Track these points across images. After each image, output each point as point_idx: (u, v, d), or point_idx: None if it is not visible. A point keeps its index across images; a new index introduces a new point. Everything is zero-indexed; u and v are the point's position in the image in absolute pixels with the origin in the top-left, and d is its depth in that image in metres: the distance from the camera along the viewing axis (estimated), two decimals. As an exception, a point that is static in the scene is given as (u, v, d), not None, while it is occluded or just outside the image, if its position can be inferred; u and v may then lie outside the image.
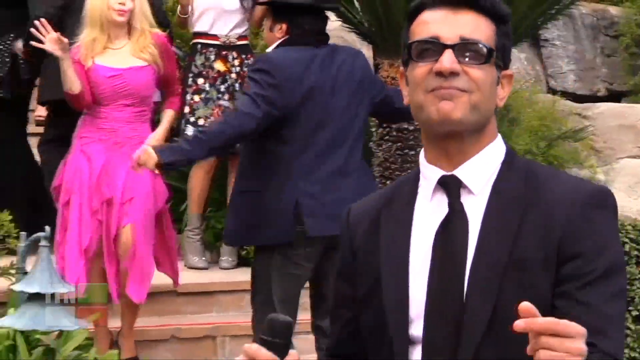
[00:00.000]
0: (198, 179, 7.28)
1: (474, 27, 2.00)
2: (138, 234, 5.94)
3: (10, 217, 6.51)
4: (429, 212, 2.04)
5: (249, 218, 5.59)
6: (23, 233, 5.54)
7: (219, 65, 7.18)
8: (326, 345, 2.61)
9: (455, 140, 2.00)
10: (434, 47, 1.94)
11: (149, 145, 5.49)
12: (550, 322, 1.46)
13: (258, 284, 5.56)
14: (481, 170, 2.03)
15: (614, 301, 1.89)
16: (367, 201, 2.33)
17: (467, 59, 1.92)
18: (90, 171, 5.97)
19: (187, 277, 6.84)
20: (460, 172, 1.99)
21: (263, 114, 5.26)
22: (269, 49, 5.82)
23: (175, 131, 6.83)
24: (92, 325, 5.62)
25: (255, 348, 1.69)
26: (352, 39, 8.58)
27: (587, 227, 1.92)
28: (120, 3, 5.93)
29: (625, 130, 9.08)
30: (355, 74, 5.68)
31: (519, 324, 1.48)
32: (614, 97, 9.30)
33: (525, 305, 1.45)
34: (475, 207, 1.99)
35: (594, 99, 9.14)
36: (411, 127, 6.96)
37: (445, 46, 1.92)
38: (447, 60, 1.88)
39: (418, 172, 2.15)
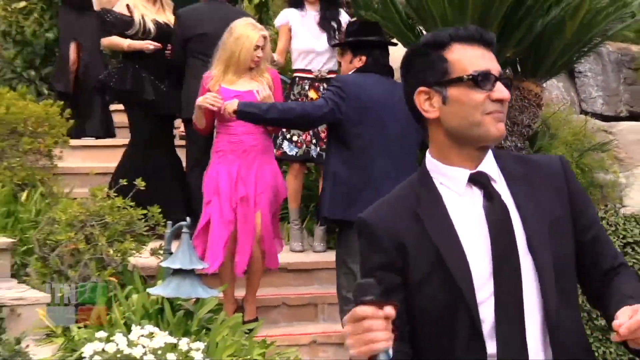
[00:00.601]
0: (290, 182, 7.42)
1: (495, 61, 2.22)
2: (265, 219, 6.15)
3: (159, 210, 6.49)
4: (463, 203, 2.17)
5: (339, 201, 5.74)
6: (169, 222, 5.84)
7: (312, 94, 7.46)
8: None
9: (486, 148, 2.18)
10: (488, 79, 2.09)
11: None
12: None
13: (339, 259, 5.80)
14: (490, 164, 2.19)
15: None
16: (389, 206, 2.36)
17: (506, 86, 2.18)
18: (229, 176, 6.14)
19: (292, 258, 7.16)
20: (484, 168, 2.15)
21: (328, 110, 5.54)
22: (346, 73, 6.11)
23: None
24: (221, 294, 5.88)
25: (360, 309, 1.83)
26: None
27: (576, 186, 2.23)
28: (258, 57, 6.17)
29: (642, 143, 9.57)
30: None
31: (622, 332, 1.80)
32: (634, 117, 9.81)
33: (618, 324, 1.79)
34: (501, 190, 2.16)
35: (618, 118, 9.87)
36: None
37: (497, 79, 2.09)
38: (505, 90, 2.09)
39: (423, 177, 2.27)
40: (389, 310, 1.77)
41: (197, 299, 5.49)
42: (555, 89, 9.61)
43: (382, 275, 2.13)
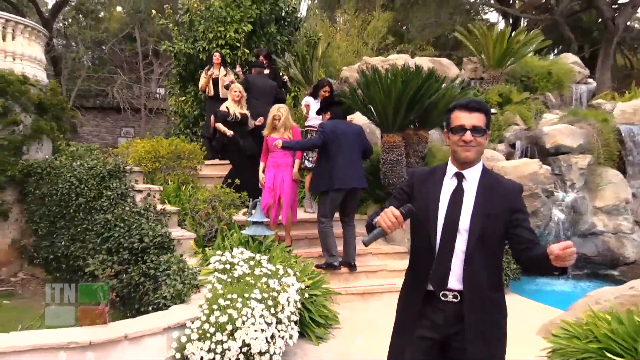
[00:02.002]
0: (307, 180, 8.29)
1: (478, 119, 2.59)
2: (288, 198, 7.20)
3: (245, 193, 7.37)
4: (449, 184, 2.67)
5: (320, 182, 6.98)
6: (251, 198, 7.13)
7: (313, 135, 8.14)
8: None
9: (464, 162, 2.66)
10: (461, 129, 2.58)
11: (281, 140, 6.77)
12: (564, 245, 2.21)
13: (321, 210, 7.00)
14: (473, 173, 2.64)
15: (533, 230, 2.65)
16: (423, 170, 2.84)
17: (475, 133, 2.58)
18: (273, 176, 7.21)
19: (305, 216, 8.23)
20: (464, 172, 2.65)
21: (321, 140, 6.78)
22: (325, 121, 7.09)
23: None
24: (274, 233, 6.85)
25: (386, 210, 2.44)
26: (371, 126, 9.25)
27: (519, 202, 2.66)
28: (276, 120, 7.22)
29: None
30: (356, 133, 7.03)
31: (556, 249, 2.23)
32: None
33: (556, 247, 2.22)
34: (468, 187, 2.64)
35: None
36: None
37: (466, 128, 2.57)
38: (469, 136, 2.57)
39: (445, 165, 2.73)
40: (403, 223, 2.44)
41: (264, 236, 6.56)
42: (434, 133, 9.35)
43: (395, 194, 2.84)
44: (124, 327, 4.48)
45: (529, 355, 5.21)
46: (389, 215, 2.39)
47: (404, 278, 2.85)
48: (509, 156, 9.34)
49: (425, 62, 10.14)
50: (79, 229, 6.63)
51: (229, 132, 8.32)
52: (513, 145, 9.66)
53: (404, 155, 8.06)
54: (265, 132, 7.37)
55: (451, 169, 2.67)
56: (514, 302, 7.16)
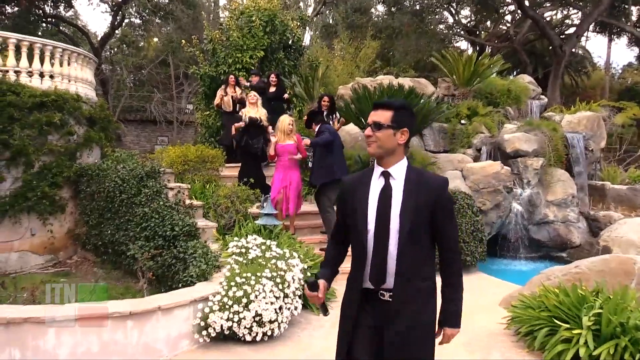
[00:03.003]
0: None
1: (379, 116, 2.34)
2: (293, 193, 7.14)
3: (258, 190, 7.45)
4: (376, 184, 2.38)
5: (325, 174, 6.96)
6: (262, 194, 7.28)
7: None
8: (330, 233, 2.73)
9: (379, 158, 2.37)
10: (367, 125, 2.39)
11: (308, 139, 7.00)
12: None
13: (321, 202, 7.05)
14: (398, 170, 2.36)
15: (454, 225, 2.43)
16: (351, 178, 2.56)
17: (374, 128, 2.34)
18: (282, 177, 7.12)
19: (308, 208, 8.04)
20: (390, 170, 2.36)
21: (331, 137, 6.88)
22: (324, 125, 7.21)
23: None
24: (281, 223, 6.87)
25: (307, 292, 2.40)
26: (363, 134, 9.39)
27: (444, 195, 2.37)
28: (291, 127, 7.15)
29: None
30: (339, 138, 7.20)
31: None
32: (446, 151, 9.80)
33: None
34: (395, 184, 2.35)
35: (439, 152, 9.73)
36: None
37: (368, 124, 2.38)
38: (367, 130, 2.37)
39: (372, 168, 2.45)
40: (320, 290, 2.37)
41: (274, 225, 6.59)
42: (414, 139, 9.18)
43: (337, 210, 2.60)
44: (158, 300, 4.52)
45: (493, 322, 5.23)
46: (310, 297, 2.40)
47: (348, 278, 2.49)
48: (475, 159, 9.33)
49: (407, 82, 10.09)
50: (122, 220, 6.66)
51: (235, 126, 8.29)
52: (479, 150, 9.66)
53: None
54: (276, 138, 7.29)
55: (378, 169, 2.39)
56: (480, 279, 7.21)
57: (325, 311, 2.46)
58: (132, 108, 23.28)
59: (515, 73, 21.95)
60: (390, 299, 2.30)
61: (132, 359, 4.20)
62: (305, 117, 8.52)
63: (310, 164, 8.13)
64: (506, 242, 8.91)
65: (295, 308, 5.11)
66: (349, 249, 2.51)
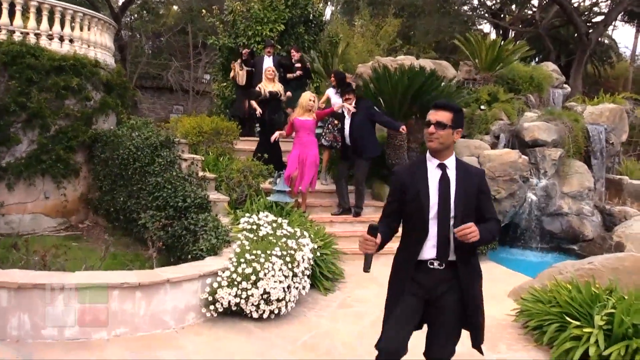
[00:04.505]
0: (324, 156, 8.14)
1: (441, 116, 2.59)
2: (309, 171, 7.00)
3: (272, 165, 7.43)
4: (434, 174, 2.65)
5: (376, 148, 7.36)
6: (277, 170, 7.25)
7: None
8: (380, 217, 2.84)
9: (436, 152, 2.65)
10: (427, 124, 2.61)
11: None
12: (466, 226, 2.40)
13: (361, 174, 7.32)
14: (451, 162, 2.66)
15: (492, 204, 2.76)
16: (404, 168, 2.87)
17: (438, 127, 2.58)
18: (299, 152, 7.00)
19: (321, 188, 7.98)
20: (446, 162, 2.65)
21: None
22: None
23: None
24: (294, 200, 6.85)
25: (367, 235, 2.50)
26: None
27: (484, 181, 2.73)
28: (312, 103, 7.04)
29: None
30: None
31: (456, 233, 2.43)
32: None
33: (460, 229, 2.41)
34: (450, 174, 2.65)
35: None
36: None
37: (430, 123, 2.60)
38: (431, 128, 2.59)
39: (423, 158, 2.71)
40: (377, 238, 2.50)
41: (286, 202, 6.52)
42: None
43: (390, 199, 2.77)
44: (167, 273, 4.50)
45: (501, 313, 5.17)
46: (364, 242, 2.48)
47: (396, 253, 2.80)
48: (493, 146, 9.11)
49: (427, 63, 9.88)
50: (134, 188, 6.66)
51: (258, 110, 8.03)
52: (497, 137, 9.44)
53: (405, 141, 7.93)
54: (295, 114, 7.20)
55: (432, 161, 2.65)
56: (490, 268, 7.09)
57: (369, 265, 2.56)
58: (149, 75, 23.11)
59: (537, 59, 21.45)
60: (440, 267, 2.63)
61: (139, 329, 4.20)
62: (325, 96, 8.49)
63: (323, 142, 7.96)
64: (518, 232, 8.76)
65: (304, 287, 5.10)
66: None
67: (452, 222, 2.57)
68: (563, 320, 4.33)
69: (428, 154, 2.68)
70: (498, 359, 4.22)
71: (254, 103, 8.16)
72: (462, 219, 2.53)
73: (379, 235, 2.50)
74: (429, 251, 2.62)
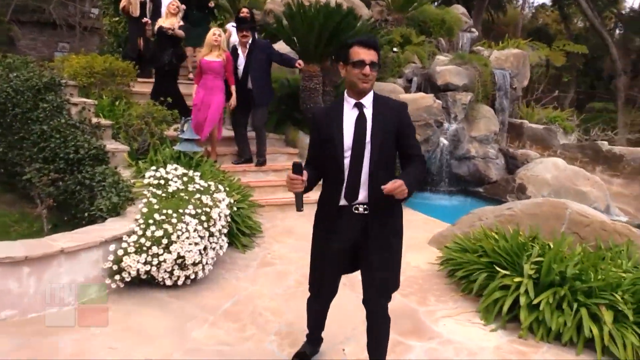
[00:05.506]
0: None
1: (374, 56, 2.49)
2: (213, 117, 6.50)
3: (176, 111, 6.70)
4: (350, 114, 2.58)
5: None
6: (183, 117, 6.57)
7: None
8: (305, 160, 2.79)
9: (362, 93, 2.56)
10: (361, 64, 2.47)
11: None
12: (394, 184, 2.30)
13: (260, 120, 6.95)
14: (367, 99, 2.57)
15: (416, 140, 2.67)
16: (321, 109, 2.93)
17: (373, 68, 2.49)
18: (202, 97, 6.51)
19: (226, 134, 7.27)
20: (362, 100, 2.57)
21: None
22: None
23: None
24: (202, 149, 6.41)
25: (292, 174, 2.41)
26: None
27: (405, 113, 2.61)
28: (217, 37, 6.44)
29: None
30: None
31: (384, 190, 2.31)
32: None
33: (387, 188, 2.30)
34: (367, 112, 2.57)
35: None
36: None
37: (365, 63, 2.48)
38: (368, 69, 2.48)
39: (341, 100, 2.64)
40: (303, 176, 2.43)
41: (195, 152, 6.06)
42: None
43: (312, 140, 2.73)
44: (60, 241, 3.79)
45: (424, 262, 5.08)
46: (290, 181, 2.40)
47: (319, 199, 2.75)
48: (405, 90, 9.01)
49: (342, 1, 9.36)
50: (15, 138, 5.70)
51: (180, 32, 7.19)
52: (410, 81, 9.36)
53: (321, 83, 7.50)
54: (201, 54, 6.54)
55: (349, 100, 2.57)
56: (406, 214, 6.98)
57: (301, 204, 2.46)
58: (27, 8, 20.22)
59: (439, 3, 21.61)
60: (365, 212, 2.55)
61: (30, 311, 3.53)
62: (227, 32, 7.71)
63: None
64: (429, 176, 8.81)
65: (221, 247, 4.65)
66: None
67: (367, 162, 2.51)
68: (492, 270, 4.26)
69: (346, 94, 2.59)
70: (428, 311, 4.11)
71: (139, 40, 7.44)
72: (380, 159, 2.50)
73: (304, 172, 2.43)
74: (348, 196, 2.57)
